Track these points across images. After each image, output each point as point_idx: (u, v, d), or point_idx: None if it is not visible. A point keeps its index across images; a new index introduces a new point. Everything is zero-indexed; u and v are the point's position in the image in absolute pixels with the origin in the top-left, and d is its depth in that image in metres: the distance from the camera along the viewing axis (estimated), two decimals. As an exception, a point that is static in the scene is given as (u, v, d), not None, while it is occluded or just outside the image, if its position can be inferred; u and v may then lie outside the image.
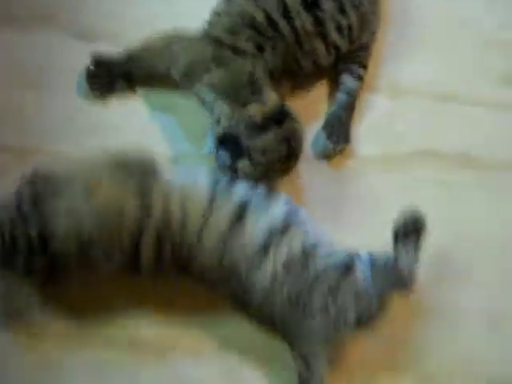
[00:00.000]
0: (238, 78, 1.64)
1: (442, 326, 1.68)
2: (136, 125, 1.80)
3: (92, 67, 1.79)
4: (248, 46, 1.65)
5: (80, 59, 1.79)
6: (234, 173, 1.60)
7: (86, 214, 1.45)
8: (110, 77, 1.78)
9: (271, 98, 1.63)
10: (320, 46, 1.71)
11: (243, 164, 1.58)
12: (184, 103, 1.78)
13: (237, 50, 1.65)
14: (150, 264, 1.48)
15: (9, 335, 1.63)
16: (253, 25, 1.66)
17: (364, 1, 1.74)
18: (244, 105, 1.60)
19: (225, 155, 1.60)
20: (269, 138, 1.58)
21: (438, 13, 1.93)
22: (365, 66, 1.82)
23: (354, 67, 1.81)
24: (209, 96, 1.65)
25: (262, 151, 1.58)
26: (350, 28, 1.73)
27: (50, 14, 1.87)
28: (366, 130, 1.83)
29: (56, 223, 1.44)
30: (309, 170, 1.77)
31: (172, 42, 1.72)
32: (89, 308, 1.65)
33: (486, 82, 1.89)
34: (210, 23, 1.72)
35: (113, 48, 1.80)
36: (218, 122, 1.63)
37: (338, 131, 1.79)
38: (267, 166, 1.60)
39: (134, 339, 1.65)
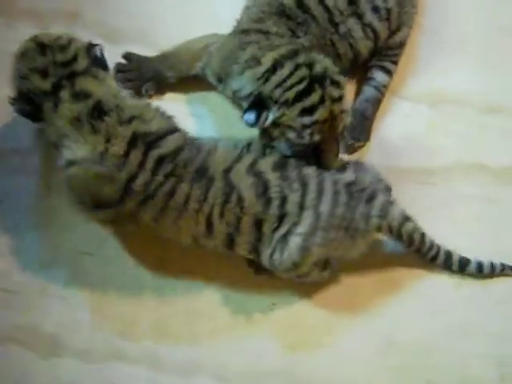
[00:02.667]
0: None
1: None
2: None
3: (122, 63, 1.73)
4: (279, 29, 1.59)
5: (108, 59, 1.67)
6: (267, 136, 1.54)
7: None
8: (140, 76, 1.71)
9: None
10: (356, 27, 1.65)
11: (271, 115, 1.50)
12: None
13: (267, 34, 1.59)
14: None
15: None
16: (282, 11, 1.61)
17: None
18: None
19: (253, 115, 1.51)
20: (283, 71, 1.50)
21: (477, 20, 1.84)
22: (396, 63, 1.76)
23: (386, 63, 1.75)
24: (238, 83, 1.58)
25: (277, 87, 1.49)
26: (388, 12, 1.67)
27: (75, 12, 1.82)
28: (405, 141, 1.74)
29: None
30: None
31: (209, 43, 1.67)
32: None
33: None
34: (239, 19, 1.67)
35: (140, 50, 1.74)
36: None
37: (361, 127, 1.72)
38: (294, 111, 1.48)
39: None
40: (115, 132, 1.49)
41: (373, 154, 1.73)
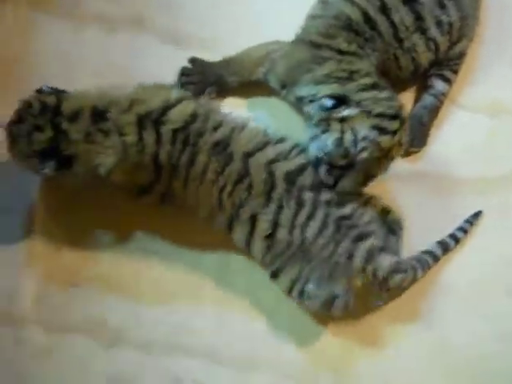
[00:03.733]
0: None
1: None
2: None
3: (187, 67, 1.77)
4: (350, 47, 1.63)
5: (170, 65, 1.77)
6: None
7: None
8: (203, 80, 1.76)
9: None
10: (420, 42, 1.67)
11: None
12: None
13: (340, 51, 1.63)
14: None
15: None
16: (349, 26, 1.64)
17: (465, 1, 1.69)
18: None
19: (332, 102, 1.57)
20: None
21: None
22: (456, 72, 1.77)
23: (446, 72, 1.76)
24: (309, 90, 1.63)
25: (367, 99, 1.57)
26: (450, 26, 1.69)
27: (143, 16, 1.86)
28: (462, 150, 1.76)
29: None
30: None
31: (272, 50, 1.71)
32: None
33: None
34: (304, 28, 1.70)
35: (206, 55, 1.78)
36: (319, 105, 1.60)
37: (416, 132, 1.74)
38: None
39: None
40: (122, 123, 1.57)
41: (429, 162, 1.75)
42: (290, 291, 1.58)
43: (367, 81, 1.59)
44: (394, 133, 1.55)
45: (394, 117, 1.56)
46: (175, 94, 1.64)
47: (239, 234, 1.60)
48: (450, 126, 1.77)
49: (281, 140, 1.63)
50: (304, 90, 1.64)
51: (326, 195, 1.56)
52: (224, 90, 1.78)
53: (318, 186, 1.57)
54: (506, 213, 1.71)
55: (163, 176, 1.59)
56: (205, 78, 1.76)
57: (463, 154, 1.75)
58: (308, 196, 1.55)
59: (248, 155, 1.58)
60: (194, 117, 1.60)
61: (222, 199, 1.58)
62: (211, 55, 1.78)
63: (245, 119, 1.65)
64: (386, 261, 1.54)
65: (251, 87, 1.77)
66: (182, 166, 1.58)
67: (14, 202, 1.74)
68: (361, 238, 1.53)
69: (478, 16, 1.76)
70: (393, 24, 1.65)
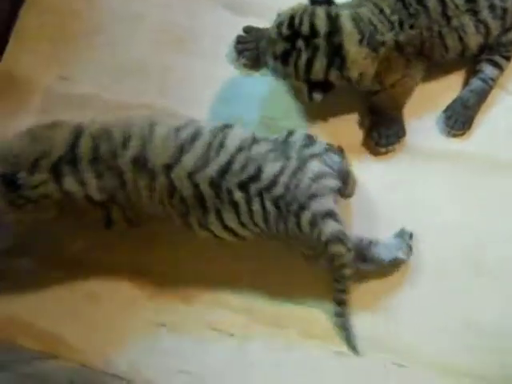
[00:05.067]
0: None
1: None
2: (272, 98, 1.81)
3: (242, 35, 1.83)
4: (391, 16, 1.65)
5: (229, 30, 1.84)
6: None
7: None
8: (257, 47, 1.80)
9: None
10: (469, 23, 1.68)
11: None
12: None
13: (381, 11, 1.66)
14: None
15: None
16: None
17: None
18: None
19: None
20: None
21: None
22: (508, 58, 1.77)
23: (496, 57, 1.76)
24: None
25: None
26: (504, 11, 1.69)
27: (205, -19, 1.93)
28: (507, 135, 1.75)
29: None
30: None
31: None
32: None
33: None
34: None
35: (262, 22, 1.82)
36: None
37: (459, 115, 1.76)
38: None
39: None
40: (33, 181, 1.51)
41: (476, 144, 1.76)
42: None
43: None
44: None
45: None
46: (67, 131, 1.55)
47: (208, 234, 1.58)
48: (497, 111, 1.77)
49: (195, 137, 1.53)
50: None
51: (254, 186, 1.50)
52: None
53: (244, 183, 1.51)
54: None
55: (110, 206, 1.55)
56: (260, 45, 1.79)
57: (508, 138, 1.75)
58: (238, 195, 1.51)
59: (168, 167, 1.51)
60: (95, 143, 1.53)
61: (168, 212, 1.55)
62: (268, 24, 1.77)
63: (152, 124, 1.55)
64: (328, 227, 1.50)
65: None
66: (118, 192, 1.54)
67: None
68: (301, 208, 1.50)
69: (533, 5, 1.76)
70: (442, 1, 1.66)
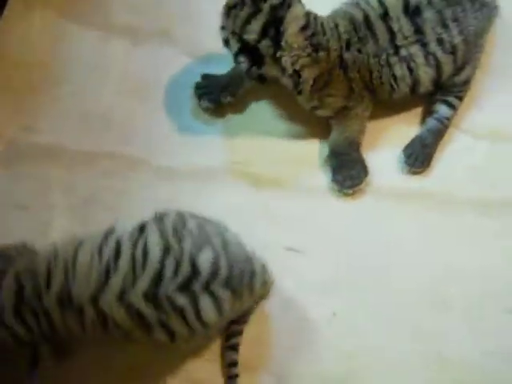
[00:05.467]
0: None
1: None
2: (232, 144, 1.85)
3: (200, 81, 1.87)
4: (344, 35, 1.73)
5: (191, 77, 1.87)
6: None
7: None
8: (217, 89, 1.85)
9: None
10: (419, 53, 1.74)
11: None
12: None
13: (336, 26, 1.73)
14: None
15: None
16: (350, 20, 1.74)
17: (470, 28, 1.76)
18: None
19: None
20: None
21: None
22: (460, 98, 1.84)
23: (450, 98, 1.83)
24: None
25: None
26: (453, 47, 1.75)
27: (166, 29, 1.97)
28: (466, 173, 1.82)
29: None
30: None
31: None
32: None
33: None
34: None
35: (224, 69, 1.86)
36: None
37: (418, 153, 1.82)
38: None
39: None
40: None
41: (433, 182, 1.81)
42: None
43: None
44: None
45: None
46: None
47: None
48: (453, 149, 1.84)
49: (117, 254, 1.44)
50: None
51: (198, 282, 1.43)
52: (239, 90, 1.85)
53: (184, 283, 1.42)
54: (504, 235, 1.76)
55: (39, 342, 1.51)
56: (219, 86, 1.85)
57: (464, 176, 1.81)
58: (183, 300, 1.41)
59: (95, 298, 1.43)
60: (19, 285, 1.47)
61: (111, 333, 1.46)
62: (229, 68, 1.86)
63: (76, 248, 1.48)
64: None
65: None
66: (47, 331, 1.48)
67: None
68: (253, 274, 1.50)
69: (483, 45, 1.83)
70: (391, 30, 1.73)
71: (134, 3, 2.00)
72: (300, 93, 1.75)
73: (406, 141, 1.84)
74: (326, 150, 1.83)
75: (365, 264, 1.74)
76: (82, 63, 1.94)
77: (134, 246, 1.45)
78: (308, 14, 1.72)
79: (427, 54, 1.75)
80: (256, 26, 1.67)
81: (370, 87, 1.78)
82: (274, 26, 1.67)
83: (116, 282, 1.42)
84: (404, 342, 1.68)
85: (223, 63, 1.86)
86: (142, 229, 1.49)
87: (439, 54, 1.75)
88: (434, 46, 1.74)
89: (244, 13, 1.67)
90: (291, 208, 1.79)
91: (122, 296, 1.42)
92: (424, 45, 1.74)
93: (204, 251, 1.46)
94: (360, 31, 1.74)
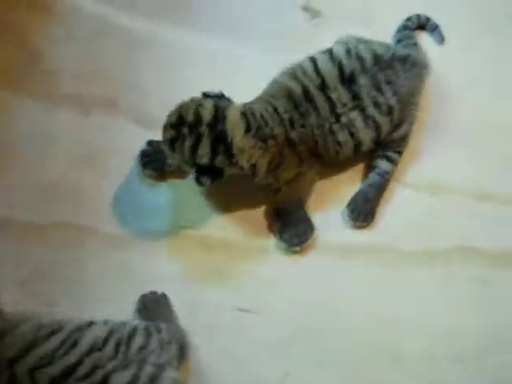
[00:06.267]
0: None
1: None
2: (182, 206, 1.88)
3: (145, 148, 1.91)
4: (284, 115, 1.78)
5: (138, 144, 1.91)
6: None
7: None
8: (162, 157, 1.87)
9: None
10: (358, 118, 1.81)
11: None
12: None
13: (275, 109, 1.78)
14: None
15: None
16: (290, 96, 1.79)
17: (403, 88, 1.84)
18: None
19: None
20: None
21: (477, 114, 2.01)
22: (400, 153, 1.91)
23: (390, 153, 1.90)
24: None
25: None
26: (389, 108, 1.83)
27: (112, 98, 2.00)
28: (408, 225, 1.88)
29: None
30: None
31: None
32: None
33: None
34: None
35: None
36: None
37: (361, 208, 1.87)
38: None
39: None
40: None
41: (376, 236, 1.87)
42: None
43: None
44: None
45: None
46: None
47: None
48: (395, 202, 1.90)
49: (53, 332, 1.48)
50: None
51: None
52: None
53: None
54: (450, 285, 1.81)
55: None
56: (163, 154, 1.85)
57: (408, 228, 1.87)
58: None
59: (13, 361, 1.43)
60: None
61: None
62: None
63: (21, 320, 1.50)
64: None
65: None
66: None
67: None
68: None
69: (417, 102, 1.92)
70: (330, 100, 1.79)
71: (80, 74, 2.03)
72: (255, 176, 1.79)
73: (350, 197, 1.90)
74: (271, 210, 1.87)
75: (314, 323, 1.76)
76: (26, 132, 1.94)
77: (72, 333, 1.49)
78: (245, 114, 1.75)
79: (366, 117, 1.82)
80: (204, 150, 1.70)
81: (317, 154, 1.83)
82: (220, 142, 1.71)
83: (35, 354, 1.44)
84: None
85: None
86: (89, 324, 1.52)
87: (377, 116, 1.82)
88: (371, 110, 1.82)
89: (188, 143, 1.70)
90: (240, 268, 1.81)
91: (32, 371, 1.43)
92: (362, 109, 1.81)
93: (123, 373, 1.46)
94: (301, 106, 1.79)
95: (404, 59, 1.87)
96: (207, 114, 1.71)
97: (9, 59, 2.03)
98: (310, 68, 1.83)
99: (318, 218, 1.87)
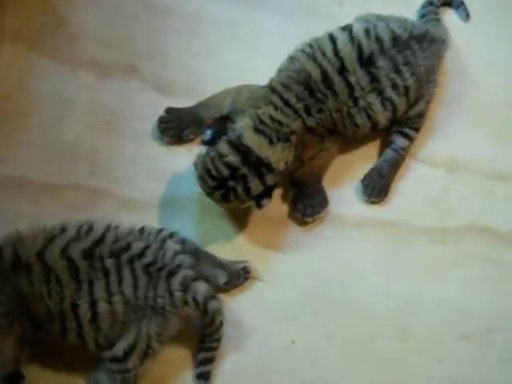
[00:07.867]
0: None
1: None
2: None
3: (164, 115, 1.91)
4: (297, 105, 1.75)
5: (157, 110, 1.91)
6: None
7: None
8: (180, 124, 1.89)
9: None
10: (375, 101, 1.80)
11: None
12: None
13: (286, 103, 1.76)
14: None
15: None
16: (307, 82, 1.77)
17: (420, 67, 1.83)
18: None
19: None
20: None
21: (497, 94, 2.00)
22: (416, 129, 1.90)
23: (406, 129, 1.89)
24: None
25: None
26: (406, 89, 1.82)
27: (132, 64, 2.01)
28: (422, 202, 1.88)
29: None
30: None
31: (242, 87, 1.86)
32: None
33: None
34: (272, 78, 1.83)
35: (189, 102, 1.92)
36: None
37: (375, 184, 1.87)
38: None
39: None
40: None
41: (391, 212, 1.87)
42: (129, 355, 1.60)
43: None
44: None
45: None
46: None
47: (71, 334, 1.61)
48: (410, 179, 1.90)
49: (63, 229, 1.65)
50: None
51: (126, 255, 1.62)
52: (201, 129, 1.88)
53: (116, 251, 1.62)
54: (461, 263, 1.82)
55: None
56: (181, 122, 1.89)
57: (422, 205, 1.87)
58: (109, 262, 1.61)
59: (40, 253, 1.60)
60: None
61: (48, 307, 1.59)
62: (193, 102, 1.91)
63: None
64: (201, 287, 1.64)
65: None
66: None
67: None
68: (171, 273, 1.62)
69: (435, 79, 1.90)
70: (349, 84, 1.78)
71: (102, 39, 2.03)
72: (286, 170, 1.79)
73: (365, 172, 1.90)
74: (286, 181, 1.86)
75: (324, 293, 1.78)
76: (48, 95, 1.96)
77: (80, 228, 1.67)
78: (257, 129, 1.72)
79: (383, 99, 1.81)
80: (255, 183, 1.70)
81: (336, 132, 1.83)
82: (259, 167, 1.70)
83: (60, 240, 1.63)
84: (364, 370, 1.72)
85: (188, 96, 1.93)
86: (89, 227, 1.68)
87: (394, 97, 1.81)
88: (389, 92, 1.81)
89: (240, 190, 1.70)
90: (252, 237, 1.83)
91: (64, 251, 1.61)
92: (380, 92, 1.80)
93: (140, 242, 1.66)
94: (319, 92, 1.77)
95: (422, 37, 1.85)
96: (232, 157, 1.70)
97: (32, 22, 2.04)
98: (329, 49, 1.80)
99: (332, 192, 1.88)
